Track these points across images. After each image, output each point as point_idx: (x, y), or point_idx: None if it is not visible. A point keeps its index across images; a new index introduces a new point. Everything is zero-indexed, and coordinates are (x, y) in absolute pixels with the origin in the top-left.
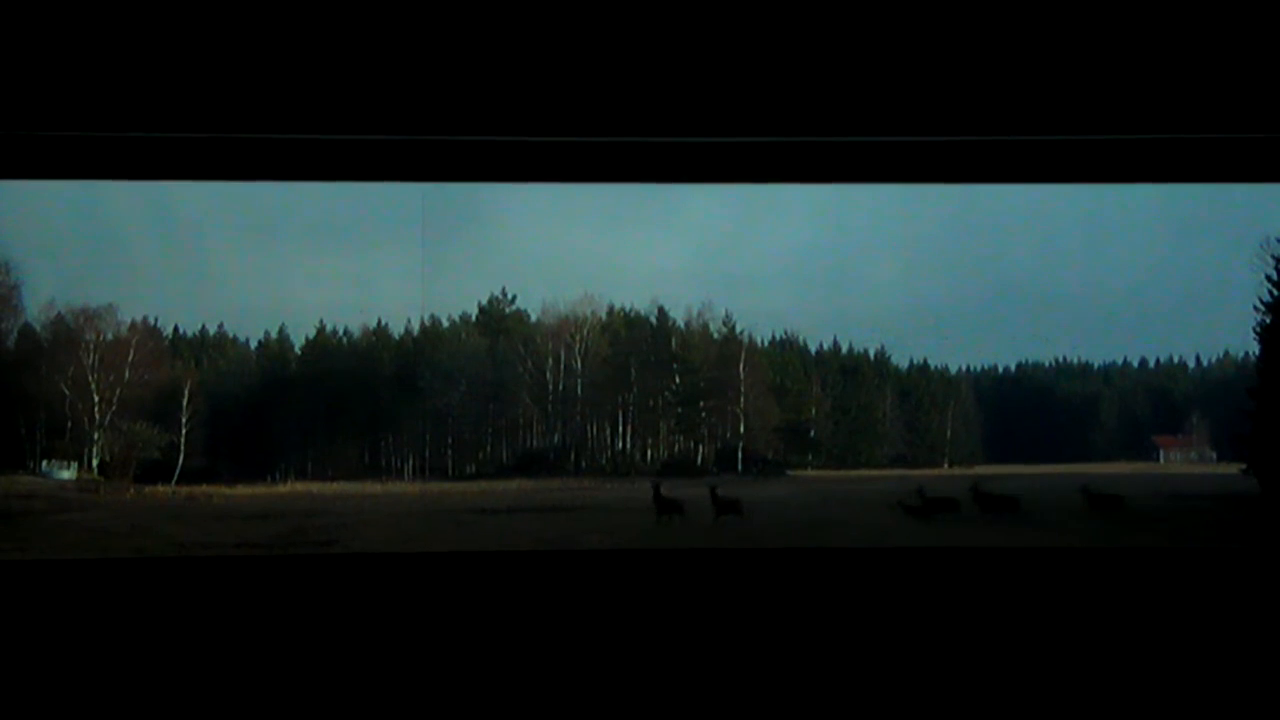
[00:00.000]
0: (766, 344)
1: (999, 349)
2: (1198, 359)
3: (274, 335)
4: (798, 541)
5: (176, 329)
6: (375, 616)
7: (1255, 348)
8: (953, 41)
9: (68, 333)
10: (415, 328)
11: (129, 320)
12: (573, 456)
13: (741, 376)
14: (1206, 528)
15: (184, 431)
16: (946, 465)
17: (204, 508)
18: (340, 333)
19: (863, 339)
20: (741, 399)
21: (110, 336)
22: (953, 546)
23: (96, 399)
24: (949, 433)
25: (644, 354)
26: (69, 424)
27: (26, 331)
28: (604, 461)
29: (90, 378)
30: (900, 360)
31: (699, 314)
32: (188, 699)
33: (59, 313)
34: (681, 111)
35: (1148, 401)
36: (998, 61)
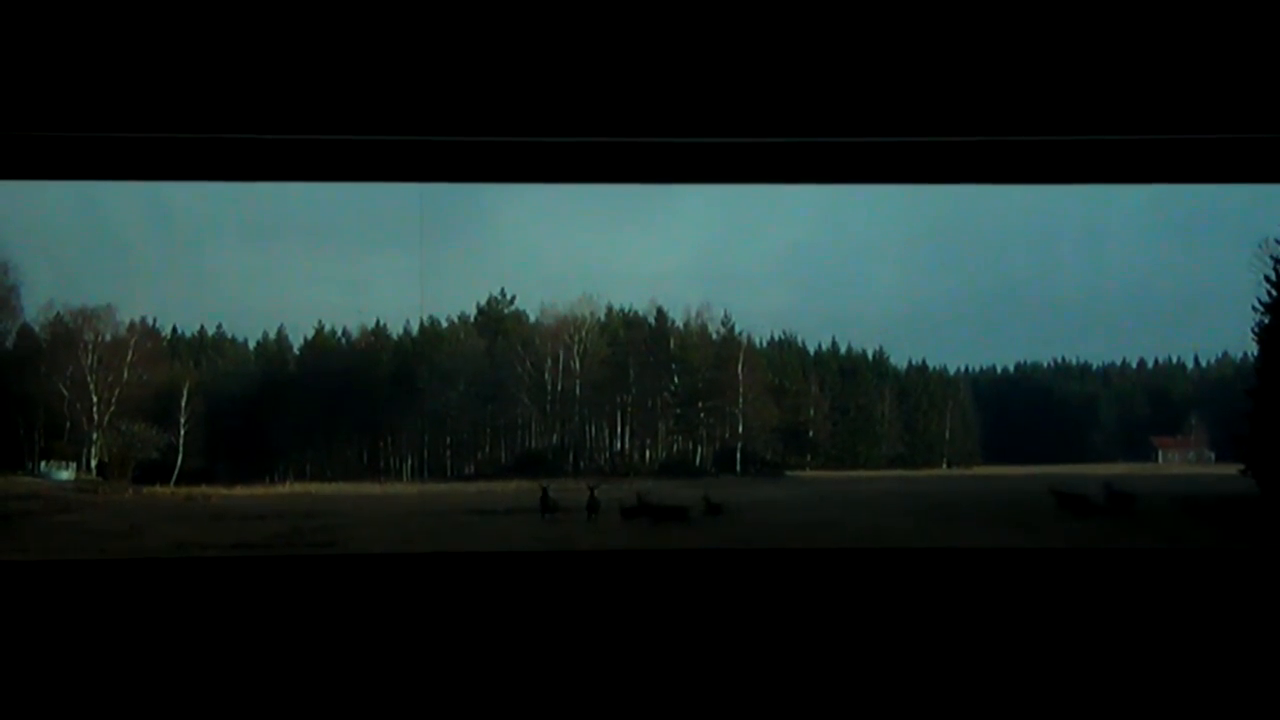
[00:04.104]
0: (765, 344)
1: (998, 349)
2: (1196, 360)
3: (272, 336)
4: (796, 543)
5: (175, 329)
6: (374, 617)
7: (1254, 348)
8: (952, 42)
9: (66, 333)
10: (414, 328)
11: (128, 321)
12: (571, 457)
13: (740, 377)
14: (1207, 529)
15: (182, 432)
16: (945, 465)
17: (202, 508)
18: (339, 333)
19: (861, 339)
20: (740, 399)
21: (109, 337)
22: (953, 547)
23: (95, 399)
24: (947, 433)
25: (642, 355)
26: (68, 425)
27: (25, 332)
28: (602, 462)
29: (89, 378)
30: (899, 361)
31: (697, 314)
32: (187, 699)
33: (58, 313)
34: (681, 111)
35: (1147, 402)
36: (998, 62)
